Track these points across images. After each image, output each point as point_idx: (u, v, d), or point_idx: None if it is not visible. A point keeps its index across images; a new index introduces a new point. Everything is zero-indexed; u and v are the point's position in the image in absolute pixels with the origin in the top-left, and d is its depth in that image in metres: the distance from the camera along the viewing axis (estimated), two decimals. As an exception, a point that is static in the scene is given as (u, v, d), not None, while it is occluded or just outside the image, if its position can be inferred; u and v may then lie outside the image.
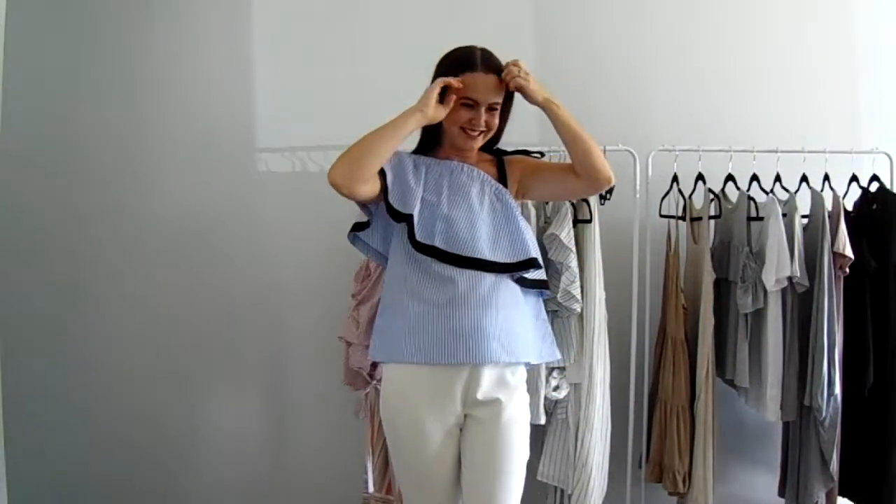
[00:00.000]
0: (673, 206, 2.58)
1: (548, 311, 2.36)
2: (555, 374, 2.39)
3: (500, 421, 1.79)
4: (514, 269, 1.82)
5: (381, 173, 1.81)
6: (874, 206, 2.47)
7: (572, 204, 2.38)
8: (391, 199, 1.81)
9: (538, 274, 1.88)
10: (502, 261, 1.81)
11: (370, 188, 1.80)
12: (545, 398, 2.36)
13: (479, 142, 1.87)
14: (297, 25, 2.83)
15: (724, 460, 2.64)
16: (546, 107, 1.82)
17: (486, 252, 1.79)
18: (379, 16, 2.81)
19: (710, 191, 2.50)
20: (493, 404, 1.80)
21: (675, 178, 2.54)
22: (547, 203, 2.45)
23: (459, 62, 1.83)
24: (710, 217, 2.50)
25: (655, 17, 2.81)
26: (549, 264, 2.36)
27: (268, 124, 2.85)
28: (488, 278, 1.79)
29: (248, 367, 2.89)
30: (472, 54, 1.83)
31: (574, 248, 2.33)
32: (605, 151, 2.45)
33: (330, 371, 2.68)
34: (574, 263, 2.32)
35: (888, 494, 2.38)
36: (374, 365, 2.50)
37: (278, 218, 2.84)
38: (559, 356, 1.98)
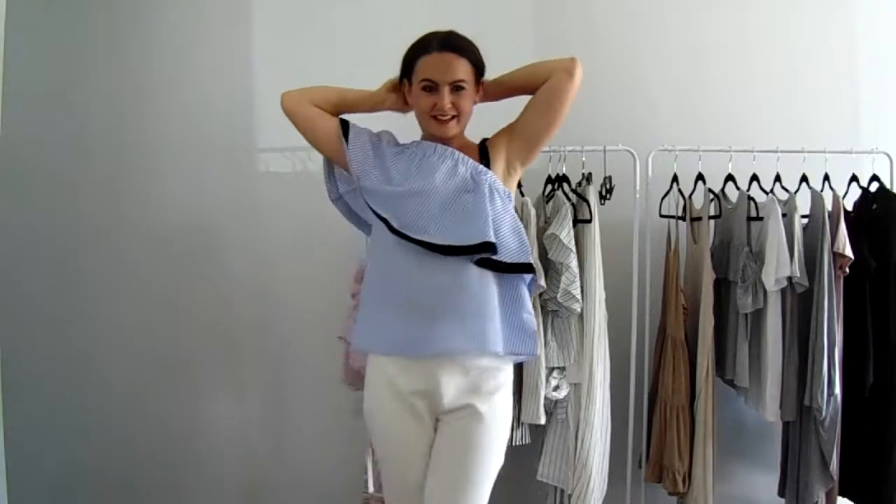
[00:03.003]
0: (673, 206, 2.58)
1: (548, 312, 2.38)
2: (555, 374, 2.39)
3: (470, 428, 1.73)
4: (468, 253, 1.69)
5: (344, 129, 1.86)
6: (874, 206, 2.47)
7: (572, 204, 2.38)
8: (350, 152, 1.83)
9: (512, 257, 1.73)
10: (452, 243, 1.69)
11: (318, 123, 1.87)
12: (545, 398, 2.36)
13: (454, 127, 1.81)
14: (297, 25, 2.82)
15: (724, 460, 2.64)
16: (504, 89, 1.87)
17: (434, 234, 1.70)
18: (379, 16, 2.81)
19: (710, 191, 2.50)
20: (465, 409, 1.74)
21: (675, 178, 2.54)
22: (547, 203, 2.45)
23: (414, 48, 1.83)
24: (710, 217, 2.49)
25: (656, 17, 2.81)
26: (549, 264, 2.37)
27: (268, 124, 2.84)
28: (448, 262, 1.70)
29: (247, 366, 2.89)
30: (427, 38, 1.82)
31: (574, 248, 2.33)
32: (605, 151, 2.47)
33: (330, 371, 2.68)
34: (574, 263, 2.32)
35: (888, 494, 2.38)
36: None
37: (278, 218, 2.84)
38: (535, 352, 1.81)
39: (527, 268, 1.75)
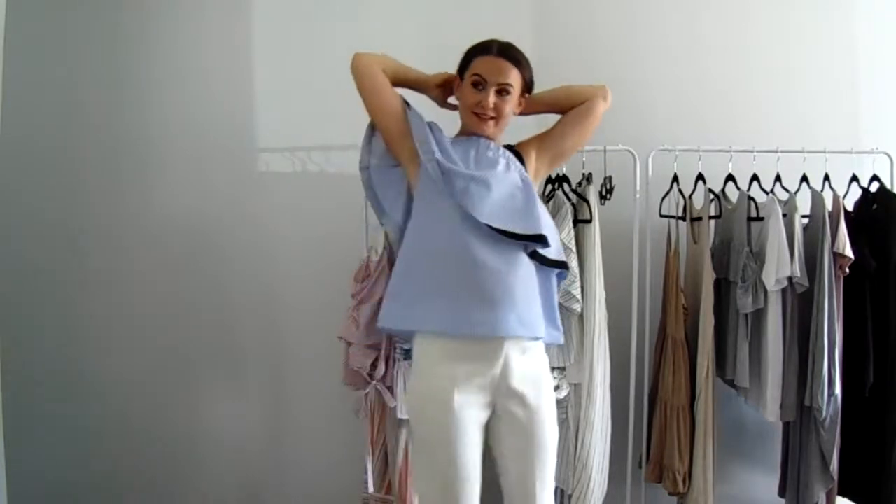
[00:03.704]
0: (673, 206, 2.58)
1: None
2: (555, 373, 2.39)
3: (532, 417, 1.80)
4: (523, 240, 1.79)
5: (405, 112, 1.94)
6: (874, 206, 2.47)
7: (572, 204, 2.38)
8: (415, 130, 1.90)
9: (555, 254, 1.85)
10: (517, 231, 1.78)
11: (385, 91, 1.94)
12: (545, 398, 2.36)
13: (492, 127, 1.91)
14: (297, 25, 2.83)
15: (724, 460, 2.64)
16: (541, 107, 1.99)
17: (503, 220, 1.77)
18: (379, 15, 2.81)
19: (711, 191, 2.50)
20: (524, 398, 1.79)
21: (675, 178, 2.54)
22: (547, 203, 2.45)
23: (474, 48, 1.93)
24: (711, 217, 2.50)
25: (656, 17, 2.81)
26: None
27: (268, 124, 2.85)
28: (503, 248, 1.77)
29: (248, 366, 2.89)
30: (489, 42, 1.92)
31: (574, 248, 2.33)
32: (605, 151, 2.47)
33: (330, 371, 2.68)
34: (574, 263, 2.32)
35: (888, 494, 2.38)
36: (374, 365, 2.50)
37: (278, 218, 2.84)
38: (562, 341, 1.97)
39: (565, 265, 1.91)
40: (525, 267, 1.80)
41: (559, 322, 1.92)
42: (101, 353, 2.86)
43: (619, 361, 2.50)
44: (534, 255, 1.83)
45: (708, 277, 2.44)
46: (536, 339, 1.83)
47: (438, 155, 1.84)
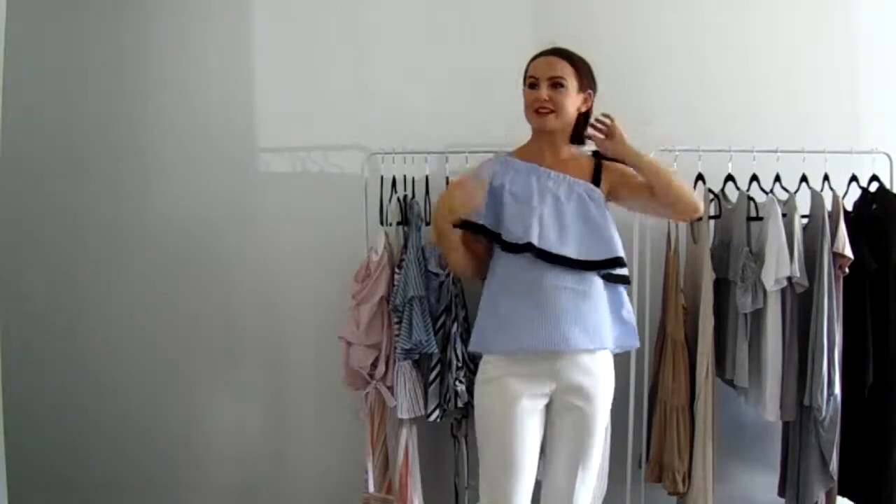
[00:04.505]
0: (673, 206, 2.57)
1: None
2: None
3: (586, 409, 1.98)
4: (600, 267, 1.97)
5: (475, 224, 2.02)
6: (874, 207, 2.47)
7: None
8: (499, 233, 2.01)
9: (622, 270, 2.02)
10: (589, 258, 1.95)
11: (482, 256, 2.08)
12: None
13: (552, 121, 1.99)
14: (297, 25, 2.82)
15: (724, 460, 2.64)
16: (626, 161, 2.04)
17: (573, 250, 1.94)
18: (379, 15, 2.81)
19: (710, 191, 2.50)
20: (580, 392, 1.97)
21: (675, 178, 2.54)
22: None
23: (532, 58, 2.05)
24: (710, 217, 2.50)
25: (656, 17, 2.80)
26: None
27: (268, 124, 2.85)
28: (574, 273, 1.94)
29: (248, 366, 2.89)
30: (540, 51, 2.05)
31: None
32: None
33: (330, 371, 2.68)
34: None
35: (888, 494, 2.38)
36: (374, 365, 2.50)
37: (278, 218, 2.84)
38: (637, 343, 2.14)
39: (627, 280, 2.08)
40: (597, 286, 1.97)
41: (632, 325, 2.08)
42: (102, 352, 2.86)
43: (619, 361, 2.48)
44: (607, 275, 1.99)
45: (707, 277, 2.44)
46: (603, 348, 2.01)
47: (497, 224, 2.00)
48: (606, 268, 1.98)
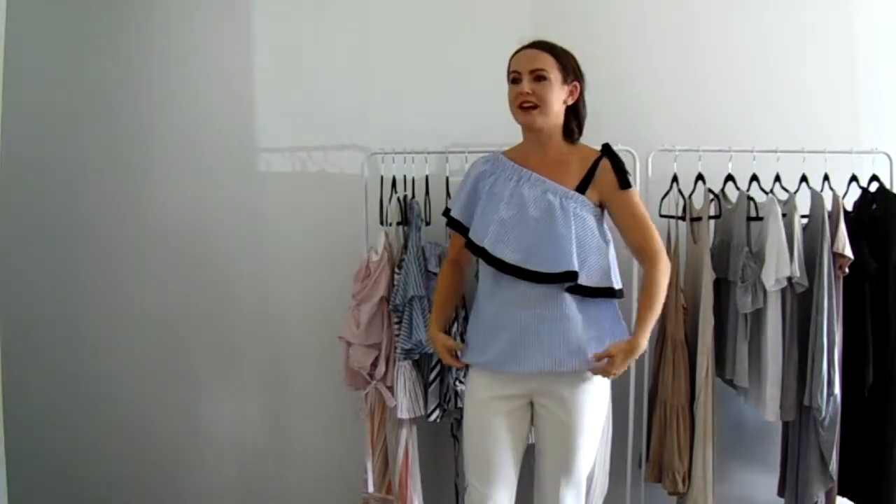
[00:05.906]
0: (673, 206, 2.57)
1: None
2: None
3: (564, 419, 1.91)
4: (552, 280, 1.85)
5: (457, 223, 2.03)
6: (874, 206, 2.47)
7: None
8: (470, 229, 1.99)
9: (596, 282, 1.88)
10: (539, 269, 1.85)
11: (464, 260, 2.11)
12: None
13: (538, 117, 1.89)
14: (297, 25, 2.83)
15: (724, 460, 2.64)
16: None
17: (520, 258, 1.86)
18: (379, 15, 2.81)
19: (710, 191, 2.50)
20: (559, 399, 1.91)
21: (675, 178, 2.54)
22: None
23: (512, 55, 1.96)
24: (710, 217, 2.50)
25: (656, 17, 2.80)
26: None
27: (268, 124, 2.85)
28: (535, 287, 1.86)
29: (248, 366, 2.90)
30: (521, 46, 1.96)
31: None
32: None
33: (330, 371, 2.68)
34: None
35: (887, 494, 2.38)
36: (374, 364, 2.50)
37: (278, 218, 2.85)
38: (624, 335, 1.97)
39: (609, 292, 1.91)
40: (567, 302, 1.86)
41: (622, 327, 1.97)
42: (102, 352, 2.86)
43: (618, 361, 2.50)
44: (572, 289, 1.86)
45: (707, 277, 2.44)
46: (572, 371, 1.90)
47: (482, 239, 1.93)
48: (559, 281, 1.84)
